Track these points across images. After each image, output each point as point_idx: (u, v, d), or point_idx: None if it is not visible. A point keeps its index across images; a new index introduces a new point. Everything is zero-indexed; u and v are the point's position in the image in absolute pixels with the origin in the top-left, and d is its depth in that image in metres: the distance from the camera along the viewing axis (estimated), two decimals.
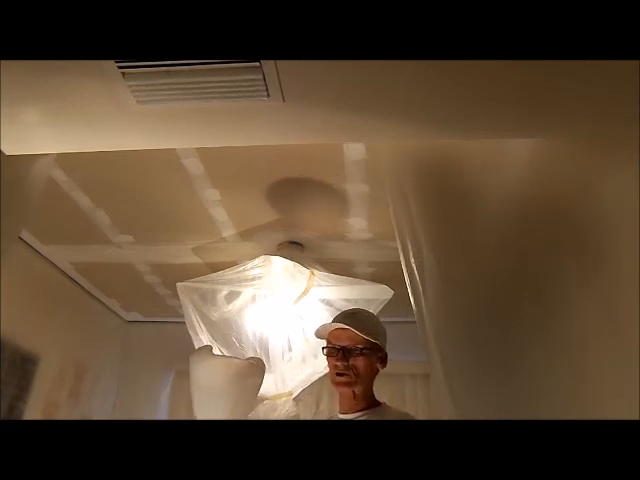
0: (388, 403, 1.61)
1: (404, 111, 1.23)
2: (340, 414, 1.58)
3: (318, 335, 1.69)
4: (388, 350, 1.62)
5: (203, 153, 1.90)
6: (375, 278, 2.57)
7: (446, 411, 1.45)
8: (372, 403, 1.55)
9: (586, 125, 1.24)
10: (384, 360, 1.59)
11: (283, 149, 1.83)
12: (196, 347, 2.35)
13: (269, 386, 2.26)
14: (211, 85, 1.15)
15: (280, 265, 2.31)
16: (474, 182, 1.56)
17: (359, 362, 1.54)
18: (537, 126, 1.27)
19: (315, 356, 2.34)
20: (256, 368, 2.08)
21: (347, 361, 1.54)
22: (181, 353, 2.72)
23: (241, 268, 2.36)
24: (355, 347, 1.54)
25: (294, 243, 2.48)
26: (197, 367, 2.06)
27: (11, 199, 1.39)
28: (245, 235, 2.45)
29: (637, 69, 1.01)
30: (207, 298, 2.39)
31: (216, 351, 2.31)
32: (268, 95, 1.16)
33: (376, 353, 1.57)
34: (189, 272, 2.53)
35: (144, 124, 1.31)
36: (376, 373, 1.58)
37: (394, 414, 1.57)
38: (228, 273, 2.38)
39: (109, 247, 2.57)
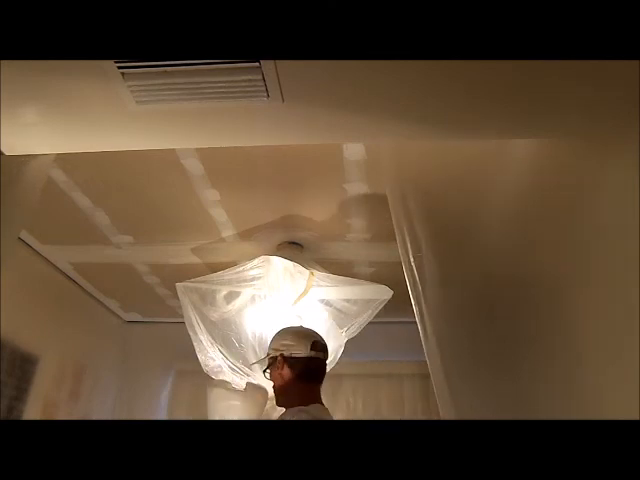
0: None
1: (404, 111, 1.23)
2: None
3: None
4: (387, 350, 1.64)
5: (203, 153, 1.89)
6: (375, 278, 2.57)
7: (446, 411, 1.45)
8: (290, 405, 1.63)
9: (586, 125, 1.25)
10: (282, 365, 1.67)
11: (283, 149, 1.83)
12: (196, 347, 2.35)
13: (270, 386, 2.27)
14: (210, 85, 1.15)
15: (280, 265, 2.31)
16: (474, 182, 1.56)
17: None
18: (537, 126, 1.27)
19: None
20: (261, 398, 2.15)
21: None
22: (181, 353, 2.73)
23: (240, 268, 2.36)
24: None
25: (294, 243, 2.48)
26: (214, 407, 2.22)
27: (10, 199, 1.38)
28: (244, 235, 2.45)
29: (637, 69, 1.02)
30: (206, 298, 2.38)
31: (216, 352, 2.31)
32: (267, 95, 1.16)
33: (273, 366, 1.70)
34: (188, 272, 2.53)
35: (144, 124, 1.31)
36: (288, 379, 1.65)
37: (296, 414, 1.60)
38: (227, 273, 2.37)
39: (108, 247, 2.57)
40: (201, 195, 2.14)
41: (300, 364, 1.66)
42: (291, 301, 2.36)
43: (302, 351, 1.68)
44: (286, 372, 1.66)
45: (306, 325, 2.39)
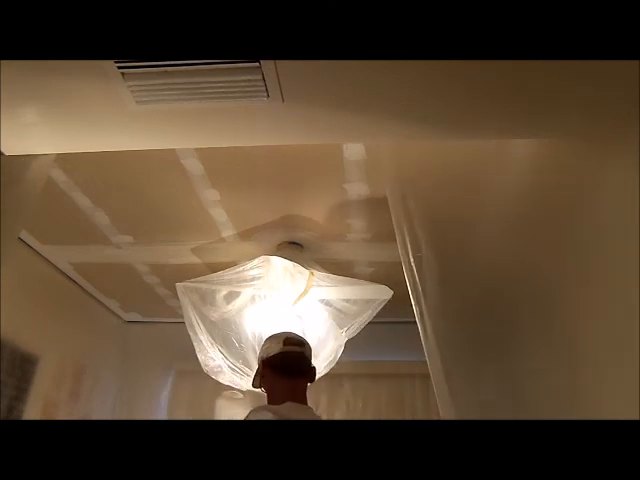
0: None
1: (404, 111, 1.23)
2: None
3: None
4: (387, 350, 1.64)
5: (203, 153, 1.90)
6: (375, 278, 2.57)
7: (446, 411, 1.45)
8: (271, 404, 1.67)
9: (586, 125, 1.25)
10: (263, 368, 1.72)
11: (283, 149, 1.83)
12: (196, 347, 2.35)
13: None
14: (210, 85, 1.15)
15: (279, 265, 2.31)
16: (474, 182, 1.56)
17: None
18: (537, 126, 1.27)
19: (315, 356, 2.34)
20: None
21: None
22: (181, 353, 2.73)
23: (240, 268, 2.36)
24: None
25: (293, 243, 2.48)
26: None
27: (11, 199, 1.38)
28: (244, 235, 2.45)
29: (637, 69, 1.01)
30: (206, 298, 2.39)
31: (216, 352, 2.32)
32: (267, 95, 1.16)
33: (260, 375, 1.75)
34: (188, 272, 2.53)
35: (143, 124, 1.31)
36: (268, 379, 1.69)
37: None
38: (227, 273, 2.37)
39: (108, 247, 2.57)
40: (201, 195, 2.14)
41: (275, 361, 1.69)
42: (291, 301, 2.37)
43: (275, 349, 1.71)
44: (266, 372, 1.70)
45: (306, 325, 2.40)
